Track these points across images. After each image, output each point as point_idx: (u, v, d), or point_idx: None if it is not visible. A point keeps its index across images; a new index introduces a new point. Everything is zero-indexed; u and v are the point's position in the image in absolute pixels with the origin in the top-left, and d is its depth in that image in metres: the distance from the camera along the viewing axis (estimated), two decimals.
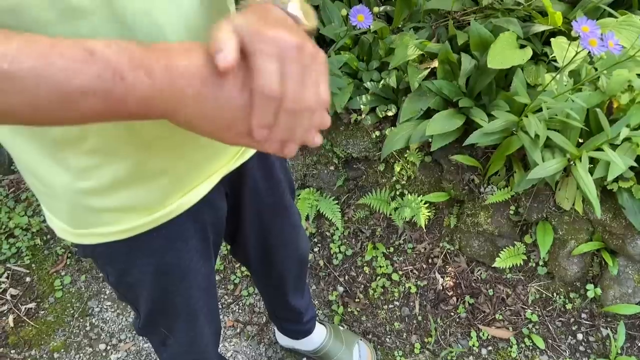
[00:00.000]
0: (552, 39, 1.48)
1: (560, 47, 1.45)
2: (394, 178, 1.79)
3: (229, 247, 1.19)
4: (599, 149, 1.34)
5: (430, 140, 1.59)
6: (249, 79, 0.45)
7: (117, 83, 0.41)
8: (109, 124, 0.57)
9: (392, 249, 1.80)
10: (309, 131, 0.50)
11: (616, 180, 1.44)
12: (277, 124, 0.46)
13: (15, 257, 1.88)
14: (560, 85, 1.33)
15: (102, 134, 0.59)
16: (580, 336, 1.59)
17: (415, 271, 1.76)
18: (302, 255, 1.19)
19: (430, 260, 1.77)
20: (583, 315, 1.61)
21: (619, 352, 1.50)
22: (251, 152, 0.85)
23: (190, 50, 0.45)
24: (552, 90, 1.42)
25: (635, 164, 1.34)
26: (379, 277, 1.75)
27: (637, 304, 1.54)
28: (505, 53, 1.49)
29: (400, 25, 1.85)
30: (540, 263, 1.65)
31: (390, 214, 1.79)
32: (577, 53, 1.14)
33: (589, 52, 1.06)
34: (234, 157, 0.81)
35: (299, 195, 1.83)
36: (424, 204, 1.73)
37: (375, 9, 1.73)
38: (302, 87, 0.46)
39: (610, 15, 1.58)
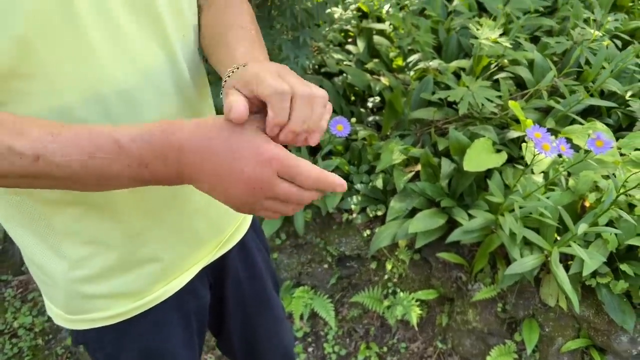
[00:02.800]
0: (523, 144, 1.64)
1: (530, 151, 1.60)
2: (386, 276, 1.87)
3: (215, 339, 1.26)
4: (569, 246, 1.44)
5: (427, 242, 1.70)
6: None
7: (142, 170, 0.55)
8: (99, 219, 0.71)
9: (385, 349, 1.83)
10: (322, 117, 0.58)
11: (594, 276, 1.51)
12: (293, 110, 0.54)
13: (16, 357, 1.94)
14: (529, 185, 1.46)
15: (96, 226, 0.72)
16: None
17: None
18: (286, 349, 1.25)
19: None
20: None
21: None
22: (232, 243, 0.97)
23: (200, 126, 0.55)
24: (529, 191, 1.55)
25: (604, 260, 1.42)
26: None
27: None
28: (480, 157, 1.65)
29: (388, 133, 2.04)
30: None
31: (383, 312, 1.85)
32: (534, 156, 1.28)
33: (560, 155, 1.20)
34: (215, 248, 0.93)
35: (293, 294, 1.91)
36: (415, 301, 1.80)
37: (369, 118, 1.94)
38: (308, 86, 0.56)
39: (578, 122, 1.75)
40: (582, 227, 1.31)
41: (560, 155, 1.54)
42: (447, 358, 1.78)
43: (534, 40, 2.19)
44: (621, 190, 1.42)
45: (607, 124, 1.83)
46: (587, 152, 1.61)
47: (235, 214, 0.95)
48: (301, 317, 1.90)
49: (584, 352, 1.61)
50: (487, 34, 1.67)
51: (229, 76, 0.61)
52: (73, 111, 0.61)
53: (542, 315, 1.62)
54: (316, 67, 2.06)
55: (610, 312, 1.48)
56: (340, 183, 0.57)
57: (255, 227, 1.07)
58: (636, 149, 1.58)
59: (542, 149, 1.24)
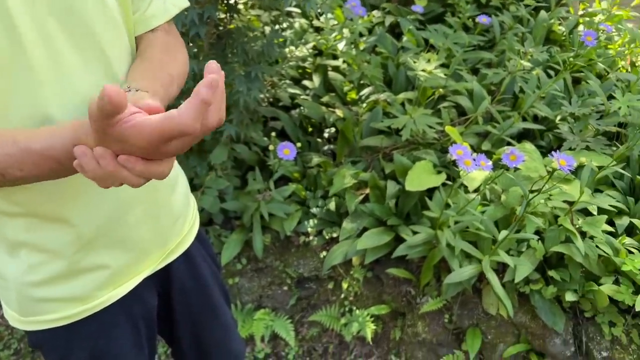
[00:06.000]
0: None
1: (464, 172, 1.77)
2: (342, 295, 1.99)
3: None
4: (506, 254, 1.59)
5: (376, 258, 1.84)
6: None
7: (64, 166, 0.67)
8: (49, 230, 0.83)
9: None
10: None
11: (528, 283, 1.66)
12: None
13: None
14: (462, 201, 1.62)
15: (46, 236, 0.84)
16: None
17: None
18: (236, 357, 1.34)
19: None
20: None
21: None
22: (176, 254, 1.08)
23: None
24: (462, 206, 1.70)
25: (533, 267, 1.57)
26: None
27: None
28: (421, 178, 1.81)
29: (342, 160, 2.20)
30: None
31: (340, 330, 1.96)
32: (459, 171, 1.44)
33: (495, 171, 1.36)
34: (160, 258, 1.04)
35: (254, 317, 2.01)
36: (370, 317, 1.91)
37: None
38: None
39: (512, 144, 1.93)
40: (502, 234, 1.47)
41: (498, 168, 1.72)
42: None
43: (476, 72, 2.41)
44: (546, 202, 1.59)
45: (540, 146, 2.03)
46: (516, 169, 1.79)
47: (181, 226, 1.08)
48: (262, 339, 2.00)
49: (524, 357, 1.74)
50: (424, 67, 1.86)
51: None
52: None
53: (484, 323, 1.76)
54: (270, 100, 2.23)
55: (543, 316, 1.63)
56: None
57: (200, 238, 1.18)
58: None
59: (464, 165, 1.40)
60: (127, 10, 0.84)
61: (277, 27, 1.91)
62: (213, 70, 0.55)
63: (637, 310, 1.48)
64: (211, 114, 0.57)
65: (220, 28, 1.78)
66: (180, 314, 1.15)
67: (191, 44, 1.75)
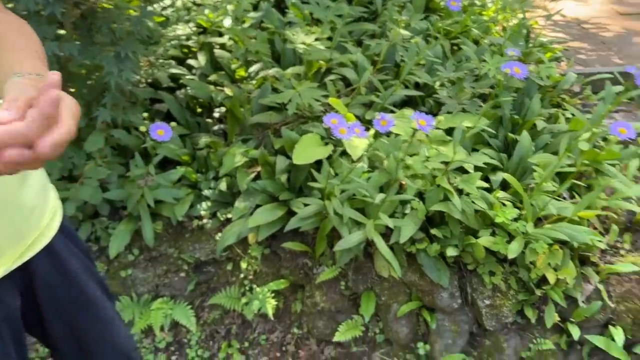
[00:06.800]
0: None
1: (348, 142, 1.80)
2: (242, 275, 1.98)
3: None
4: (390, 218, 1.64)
5: (270, 234, 1.83)
6: None
7: None
8: None
9: (247, 344, 1.93)
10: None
11: (414, 243, 1.73)
12: None
13: None
14: (345, 170, 1.65)
15: None
16: None
17: None
18: (125, 353, 1.28)
19: (283, 348, 1.91)
20: None
21: None
22: (35, 250, 1.01)
23: None
24: (350, 175, 1.73)
25: (417, 227, 1.64)
26: None
27: (460, 352, 1.76)
28: (308, 150, 1.82)
29: (233, 140, 2.17)
30: (377, 331, 1.85)
31: (242, 310, 1.95)
32: (339, 140, 1.46)
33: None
34: (16, 255, 0.96)
35: (152, 307, 1.95)
36: (270, 293, 1.92)
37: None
38: None
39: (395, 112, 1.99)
40: (379, 197, 1.52)
41: (376, 137, 1.76)
42: (304, 342, 1.92)
43: (361, 44, 2.45)
44: (424, 163, 1.66)
45: (422, 111, 2.10)
46: (397, 135, 1.85)
47: (38, 219, 1.01)
48: (162, 329, 1.95)
49: (417, 313, 1.83)
50: (303, 39, 1.86)
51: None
52: None
53: (378, 286, 1.82)
54: (149, 81, 2.14)
55: (429, 273, 1.71)
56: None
57: (68, 233, 1.11)
58: (437, 129, 1.84)
59: (339, 133, 1.42)
60: None
61: (154, 5, 1.82)
62: (54, 84, 0.57)
63: (510, 258, 1.60)
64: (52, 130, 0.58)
65: (83, 7, 1.67)
66: (49, 311, 1.09)
67: (50, 25, 1.62)
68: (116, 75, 1.66)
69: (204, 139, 2.06)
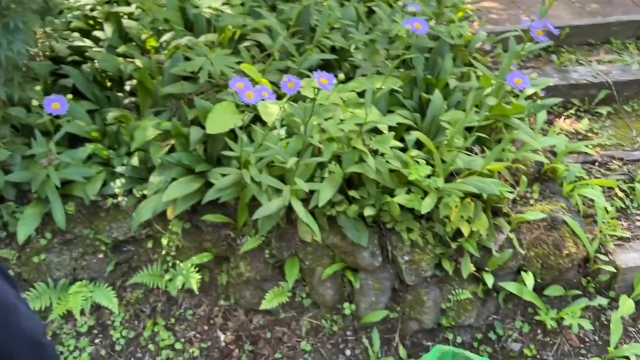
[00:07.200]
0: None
1: (264, 107, 1.78)
2: (164, 251, 1.93)
3: None
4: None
5: (189, 209, 1.79)
6: None
7: None
8: None
9: (173, 320, 1.90)
10: None
11: (334, 206, 1.74)
12: None
13: None
14: (260, 137, 1.62)
15: None
16: (348, 352, 1.81)
17: (198, 335, 1.87)
18: (30, 337, 1.23)
19: (211, 321, 1.90)
20: (348, 333, 1.84)
21: (378, 357, 1.74)
22: None
23: None
24: (265, 142, 1.71)
25: (335, 190, 1.65)
26: (162, 351, 1.83)
27: (384, 309, 1.81)
28: (222, 119, 1.78)
29: (146, 113, 2.09)
30: (304, 296, 1.87)
31: (166, 287, 1.91)
32: (247, 106, 1.43)
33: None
34: None
35: (70, 292, 1.87)
36: (194, 268, 1.89)
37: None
38: None
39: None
40: (292, 161, 1.52)
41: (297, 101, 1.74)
42: (232, 313, 1.91)
43: (275, 8, 2.40)
44: (340, 127, 1.66)
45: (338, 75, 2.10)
46: (312, 100, 1.84)
47: None
48: (83, 313, 1.88)
49: (342, 275, 1.86)
50: (209, 4, 1.80)
51: None
52: None
53: (302, 251, 1.83)
54: (49, 54, 2.01)
55: (350, 234, 1.74)
56: None
57: None
58: (352, 91, 1.85)
59: (247, 98, 1.40)
60: None
61: None
62: None
63: (423, 213, 1.65)
64: None
65: None
66: None
67: None
68: (6, 49, 1.54)
69: (112, 114, 1.96)
